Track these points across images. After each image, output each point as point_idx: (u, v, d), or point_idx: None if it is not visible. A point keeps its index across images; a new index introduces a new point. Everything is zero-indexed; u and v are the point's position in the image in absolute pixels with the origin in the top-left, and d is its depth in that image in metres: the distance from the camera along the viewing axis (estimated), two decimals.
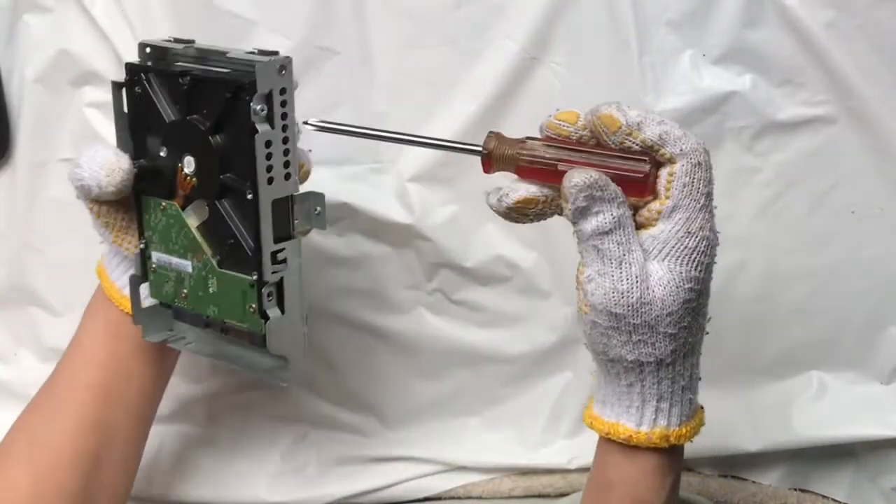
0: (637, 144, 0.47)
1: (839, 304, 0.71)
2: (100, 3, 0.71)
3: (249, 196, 0.53)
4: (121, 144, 0.57)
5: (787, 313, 0.72)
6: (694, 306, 0.48)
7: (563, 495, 0.74)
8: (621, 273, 0.47)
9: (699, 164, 0.47)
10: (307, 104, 0.71)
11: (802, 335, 0.72)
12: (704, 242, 0.47)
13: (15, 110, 0.74)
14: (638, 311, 0.47)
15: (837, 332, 0.72)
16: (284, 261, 0.55)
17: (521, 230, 0.71)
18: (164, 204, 0.56)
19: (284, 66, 0.53)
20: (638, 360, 0.48)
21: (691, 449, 0.72)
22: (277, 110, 0.53)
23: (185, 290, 0.57)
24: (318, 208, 0.57)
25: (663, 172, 0.47)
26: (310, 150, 0.58)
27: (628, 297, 0.47)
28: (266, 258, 0.54)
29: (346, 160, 0.72)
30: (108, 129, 0.74)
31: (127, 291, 0.58)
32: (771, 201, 0.70)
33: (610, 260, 0.47)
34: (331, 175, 0.72)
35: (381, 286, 0.74)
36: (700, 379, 0.51)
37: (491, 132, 0.51)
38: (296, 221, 0.55)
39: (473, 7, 0.68)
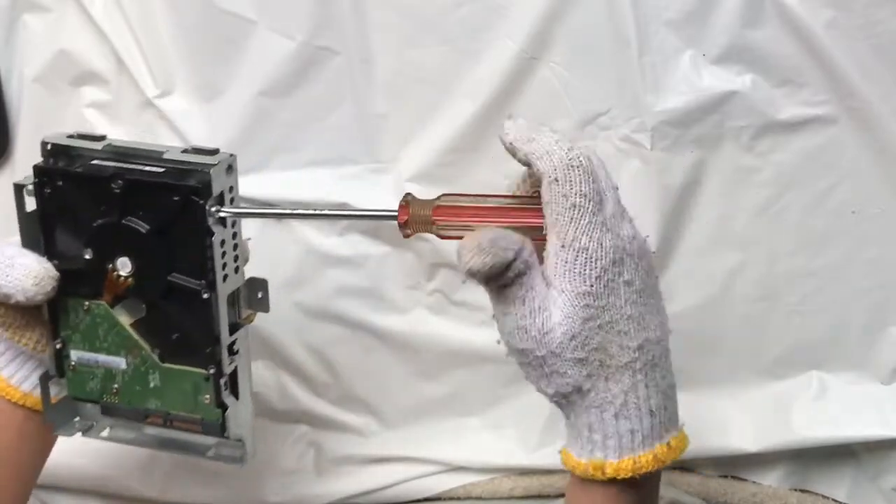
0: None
1: (839, 304, 0.71)
2: (99, 3, 0.71)
3: (205, 296, 0.53)
4: (28, 245, 0.55)
5: (787, 313, 0.72)
6: (598, 323, 0.47)
7: (563, 495, 0.74)
8: (524, 308, 0.47)
9: (556, 179, 0.46)
10: (307, 104, 0.71)
11: (802, 335, 0.72)
12: (583, 255, 0.47)
13: (14, 110, 0.74)
14: (541, 343, 0.47)
15: (837, 332, 0.72)
16: (237, 350, 0.56)
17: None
18: (87, 304, 0.56)
19: (231, 164, 0.54)
20: (559, 392, 0.48)
21: (691, 449, 0.72)
22: (234, 209, 0.53)
23: (115, 386, 0.57)
24: (261, 293, 0.58)
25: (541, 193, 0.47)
26: (248, 239, 0.58)
27: (531, 329, 0.47)
28: (224, 352, 0.55)
29: (345, 160, 0.72)
30: (107, 129, 0.74)
31: (14, 381, 0.58)
32: (771, 201, 0.70)
33: (514, 301, 0.47)
34: (330, 175, 0.73)
35: (380, 286, 0.74)
36: (653, 411, 0.48)
37: (405, 195, 0.52)
38: (241, 309, 0.57)
39: (473, 7, 0.68)
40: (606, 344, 0.47)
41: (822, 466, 0.73)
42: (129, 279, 0.55)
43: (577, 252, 0.47)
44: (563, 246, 0.47)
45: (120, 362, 0.57)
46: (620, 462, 0.48)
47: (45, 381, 0.57)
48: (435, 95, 0.70)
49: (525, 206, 0.49)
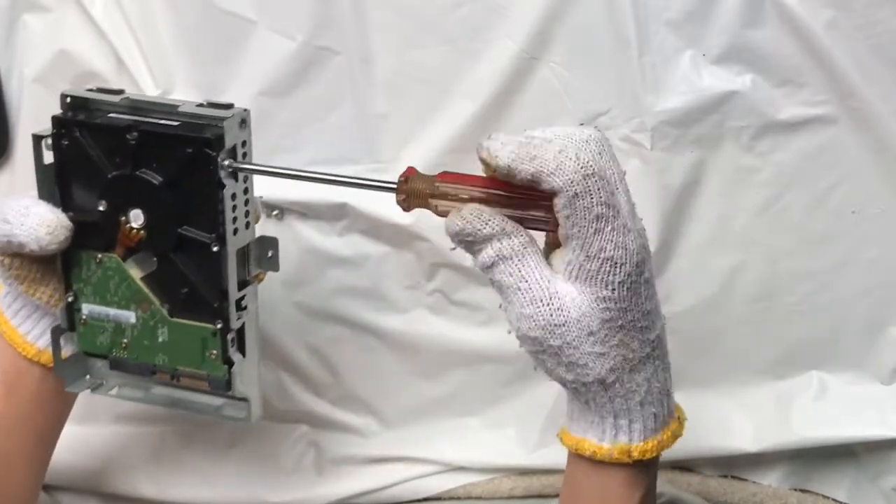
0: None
1: (839, 304, 0.71)
2: (99, 3, 0.71)
3: (215, 249, 0.54)
4: (45, 197, 0.56)
5: (787, 313, 0.72)
6: (620, 324, 0.47)
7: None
8: (522, 298, 0.47)
9: (576, 194, 0.45)
10: (307, 104, 0.71)
11: (802, 335, 0.72)
12: (608, 263, 0.46)
13: (14, 110, 0.74)
14: (554, 333, 0.47)
15: (837, 332, 0.72)
16: (246, 307, 0.56)
17: None
18: (99, 256, 0.56)
19: (245, 119, 0.54)
20: (579, 381, 0.48)
21: (691, 449, 0.72)
22: (248, 163, 0.54)
23: (125, 340, 0.57)
24: (272, 252, 0.58)
25: (554, 202, 0.46)
26: (260, 197, 0.59)
27: (538, 318, 0.47)
28: (232, 307, 0.55)
29: (345, 160, 0.72)
30: None
31: (30, 337, 0.58)
32: (771, 201, 0.70)
33: (507, 289, 0.48)
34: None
35: (380, 286, 0.74)
36: (669, 391, 0.50)
37: (407, 170, 0.51)
38: (250, 266, 0.57)
39: (473, 7, 0.68)
40: (628, 340, 0.48)
41: (822, 466, 0.73)
42: (142, 232, 0.55)
43: (602, 262, 0.46)
44: (587, 257, 0.46)
45: (129, 316, 0.57)
46: (646, 444, 0.49)
47: (56, 334, 0.58)
48: (435, 95, 0.70)
49: (526, 196, 0.48)
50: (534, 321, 0.47)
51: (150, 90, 0.72)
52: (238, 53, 0.70)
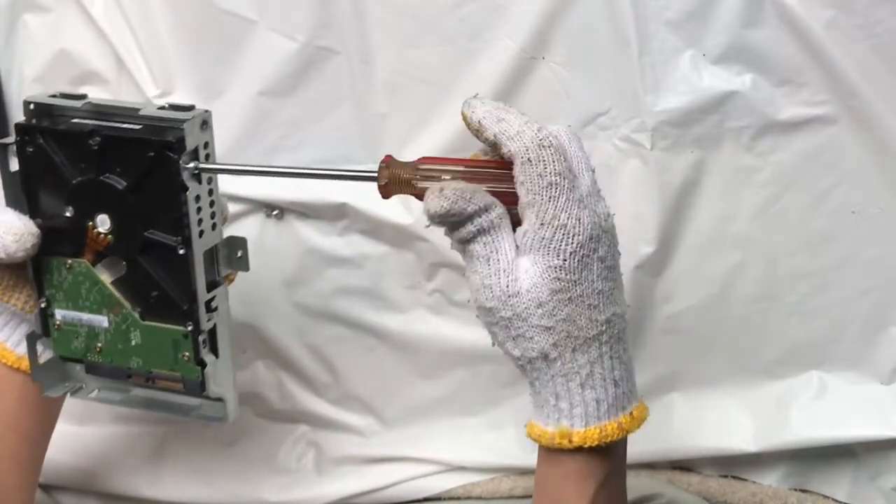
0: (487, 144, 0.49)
1: (839, 304, 0.71)
2: (99, 2, 0.71)
3: (181, 251, 0.54)
4: (11, 204, 0.56)
5: (787, 313, 0.72)
6: (569, 297, 0.48)
7: None
8: (489, 269, 0.49)
9: (529, 160, 0.47)
10: (307, 104, 0.71)
11: (802, 335, 0.72)
12: (561, 231, 0.48)
13: (14, 110, 0.74)
14: (506, 303, 0.48)
15: (837, 332, 0.72)
16: (216, 308, 0.56)
17: None
18: (69, 262, 0.56)
19: (206, 120, 0.54)
20: (525, 356, 0.49)
21: (691, 449, 0.72)
22: (211, 165, 0.54)
23: (99, 345, 0.57)
24: (240, 251, 0.58)
25: (514, 172, 0.48)
26: (227, 197, 0.59)
27: (495, 289, 0.48)
28: (201, 308, 0.55)
29: (345, 160, 0.72)
30: None
31: (9, 344, 0.58)
32: (771, 201, 0.70)
33: (478, 259, 0.49)
34: None
35: (380, 286, 0.74)
36: (617, 381, 0.50)
37: (385, 157, 0.52)
38: (220, 267, 0.57)
39: (473, 7, 0.68)
40: (575, 316, 0.48)
41: (822, 466, 0.73)
42: (109, 236, 0.55)
43: (556, 229, 0.48)
44: (542, 224, 0.48)
45: (102, 320, 0.57)
46: (587, 430, 0.49)
47: (31, 340, 0.58)
48: (435, 95, 0.70)
49: (503, 170, 0.49)
50: (491, 291, 0.49)
51: (150, 90, 0.72)
52: (238, 53, 0.70)
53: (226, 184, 0.72)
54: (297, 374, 0.76)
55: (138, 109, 0.54)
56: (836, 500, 0.73)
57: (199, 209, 0.54)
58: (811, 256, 0.71)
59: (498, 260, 0.49)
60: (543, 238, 0.48)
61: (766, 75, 0.66)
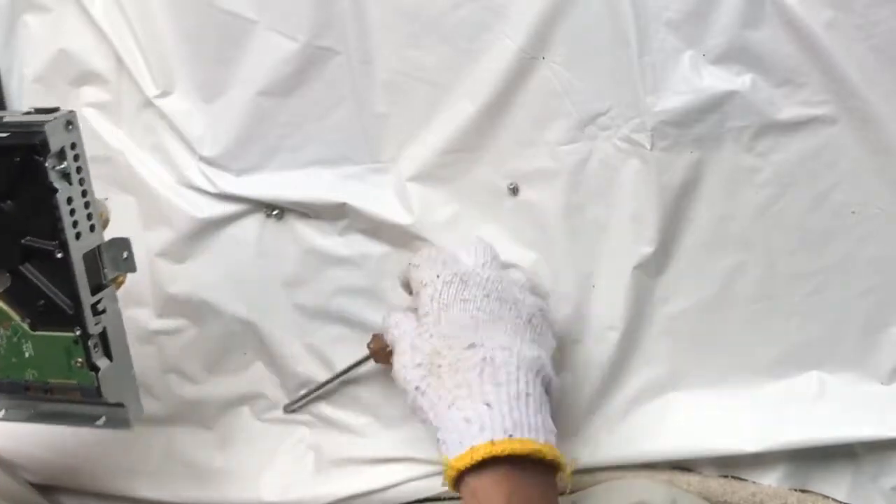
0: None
1: (839, 304, 0.71)
2: (99, 3, 0.71)
3: (59, 255, 0.53)
4: None
5: (787, 313, 0.72)
6: (431, 332, 0.58)
7: (563, 494, 0.74)
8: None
9: (424, 284, 0.62)
10: (307, 104, 0.71)
11: (802, 335, 0.72)
12: (424, 289, 0.61)
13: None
14: (397, 361, 0.61)
15: (837, 332, 0.72)
16: (104, 310, 0.56)
17: (521, 230, 0.72)
18: None
19: (70, 120, 0.53)
20: (410, 405, 0.59)
21: (691, 449, 0.72)
22: (72, 165, 0.53)
23: None
24: (126, 253, 0.57)
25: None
26: (106, 199, 0.58)
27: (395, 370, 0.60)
28: (87, 312, 0.55)
29: (345, 160, 0.72)
30: (106, 129, 0.74)
31: None
32: (771, 201, 0.70)
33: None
34: (330, 175, 0.73)
35: (380, 286, 0.74)
36: (490, 404, 0.53)
37: (373, 336, 0.70)
38: (105, 270, 0.56)
39: (473, 7, 0.68)
40: (439, 348, 0.56)
41: (822, 466, 0.73)
42: None
43: (421, 291, 0.59)
44: (416, 292, 0.62)
45: None
46: (461, 454, 0.51)
47: None
48: (435, 95, 0.70)
49: None
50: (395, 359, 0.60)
51: (150, 90, 0.72)
52: (238, 53, 0.70)
53: (226, 184, 0.72)
54: (297, 375, 0.76)
55: (1, 117, 0.53)
56: (836, 500, 0.73)
57: (72, 211, 0.53)
58: (811, 256, 0.71)
59: (406, 338, 0.61)
60: (416, 301, 0.60)
61: (766, 75, 0.66)
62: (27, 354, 0.56)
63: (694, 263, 0.71)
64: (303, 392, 0.75)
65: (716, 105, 0.67)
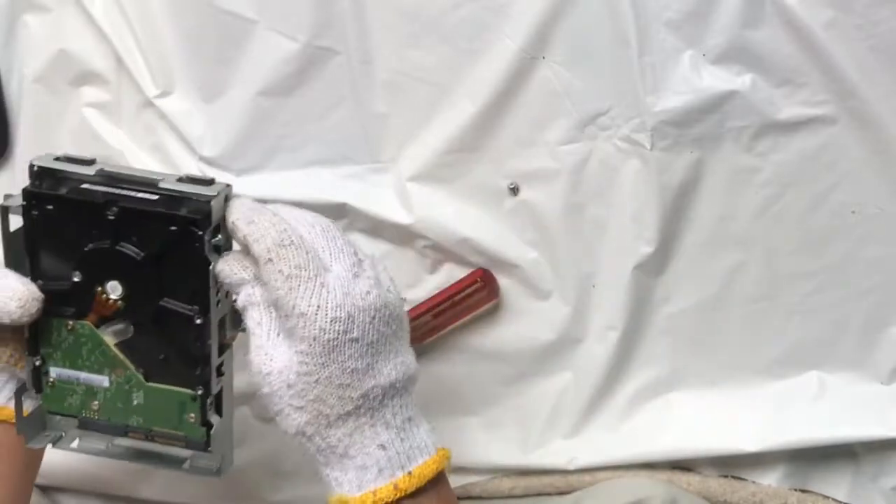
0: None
1: (839, 304, 0.71)
2: (99, 3, 0.71)
3: (199, 321, 0.54)
4: (11, 265, 0.55)
5: (787, 313, 0.72)
6: (316, 378, 0.50)
7: (562, 494, 0.74)
8: (251, 343, 0.52)
9: (270, 260, 0.51)
10: (307, 104, 0.71)
11: (802, 335, 0.72)
12: (302, 319, 0.50)
13: (14, 110, 0.74)
14: (265, 381, 0.51)
15: (837, 332, 0.72)
16: (224, 372, 0.57)
17: (521, 230, 0.72)
18: (71, 324, 0.55)
19: (228, 195, 0.54)
20: (287, 431, 0.52)
21: (691, 449, 0.72)
22: (223, 237, 0.54)
23: (96, 403, 0.57)
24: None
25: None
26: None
27: (253, 366, 0.51)
28: (213, 373, 0.55)
29: (345, 160, 0.72)
30: (106, 129, 0.74)
31: None
32: (771, 201, 0.70)
33: (249, 332, 0.52)
34: (331, 175, 0.73)
35: None
36: (386, 445, 0.52)
37: None
38: (226, 331, 0.57)
39: (473, 7, 0.68)
40: (325, 396, 0.50)
41: (822, 466, 0.73)
42: (119, 302, 0.55)
43: (297, 318, 0.50)
44: (286, 315, 0.50)
45: (103, 380, 0.57)
46: (362, 496, 0.51)
47: (19, 395, 0.57)
48: (435, 95, 0.70)
49: None
50: (253, 366, 0.51)
51: (150, 90, 0.72)
52: (238, 53, 0.70)
53: None
54: None
55: (157, 181, 0.54)
56: (836, 500, 0.73)
57: (217, 281, 0.54)
58: (811, 256, 0.71)
59: (260, 335, 0.52)
60: (288, 327, 0.50)
61: (766, 75, 0.66)
62: (135, 402, 0.57)
63: (694, 263, 0.71)
64: None
65: (716, 105, 0.67)
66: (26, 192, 0.54)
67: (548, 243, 0.71)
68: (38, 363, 0.57)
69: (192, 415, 0.56)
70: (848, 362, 0.73)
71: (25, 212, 0.54)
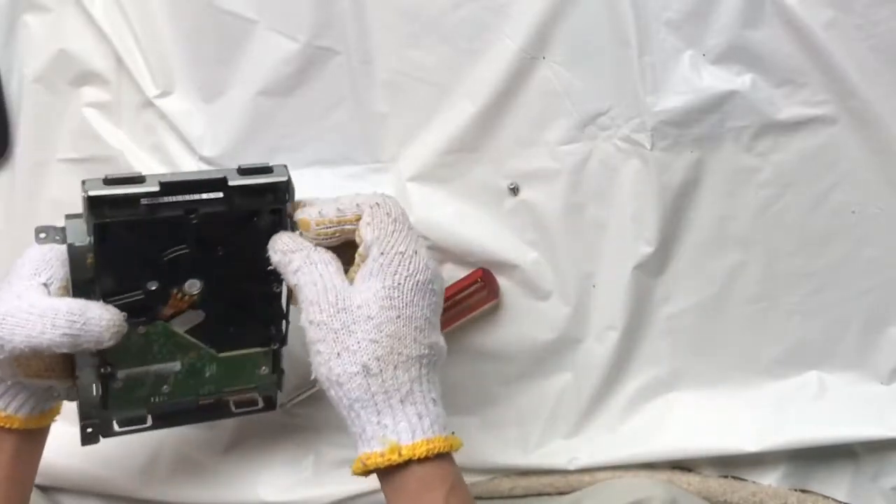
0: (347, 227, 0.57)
1: (839, 304, 0.71)
2: (99, 3, 0.71)
3: (277, 290, 0.58)
4: (79, 290, 0.55)
5: (787, 313, 0.72)
6: (398, 314, 0.53)
7: (562, 494, 0.74)
8: (316, 289, 0.54)
9: (378, 204, 0.56)
10: (307, 104, 0.71)
11: (802, 335, 0.72)
12: (399, 257, 0.54)
13: (14, 110, 0.74)
14: (335, 317, 0.53)
15: (837, 332, 0.72)
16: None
17: (521, 230, 0.72)
18: (143, 329, 0.56)
19: (288, 172, 0.57)
20: (346, 371, 0.52)
21: (691, 449, 0.72)
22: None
23: (166, 387, 0.59)
24: None
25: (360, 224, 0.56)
26: None
27: (323, 304, 0.53)
28: (287, 327, 0.60)
29: (345, 160, 0.72)
30: (106, 129, 0.74)
31: (11, 409, 0.57)
32: (771, 201, 0.70)
33: (305, 285, 0.54)
34: (331, 175, 0.73)
35: None
36: (437, 401, 0.54)
37: None
38: None
39: (473, 7, 0.68)
40: (403, 334, 0.52)
41: (822, 466, 0.73)
42: (195, 296, 0.57)
43: (394, 255, 0.54)
44: (382, 253, 0.53)
45: (174, 366, 0.58)
46: (415, 443, 0.51)
47: (83, 409, 0.59)
48: (435, 95, 0.70)
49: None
50: (319, 307, 0.53)
51: (150, 90, 0.72)
52: (238, 53, 0.70)
53: None
54: (297, 375, 0.76)
55: (224, 179, 0.55)
56: (836, 500, 0.73)
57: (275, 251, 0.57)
58: (811, 256, 0.71)
59: (324, 283, 0.53)
60: (382, 264, 0.53)
61: (766, 75, 0.66)
62: (207, 374, 0.59)
63: (694, 263, 0.71)
64: (298, 391, 0.75)
65: (716, 105, 0.67)
66: (97, 226, 0.53)
67: (548, 243, 0.71)
68: (105, 370, 0.57)
69: (265, 367, 0.60)
70: (848, 362, 0.73)
71: (96, 243, 0.54)
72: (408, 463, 0.51)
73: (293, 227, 0.58)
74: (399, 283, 0.53)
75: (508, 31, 0.67)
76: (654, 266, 0.71)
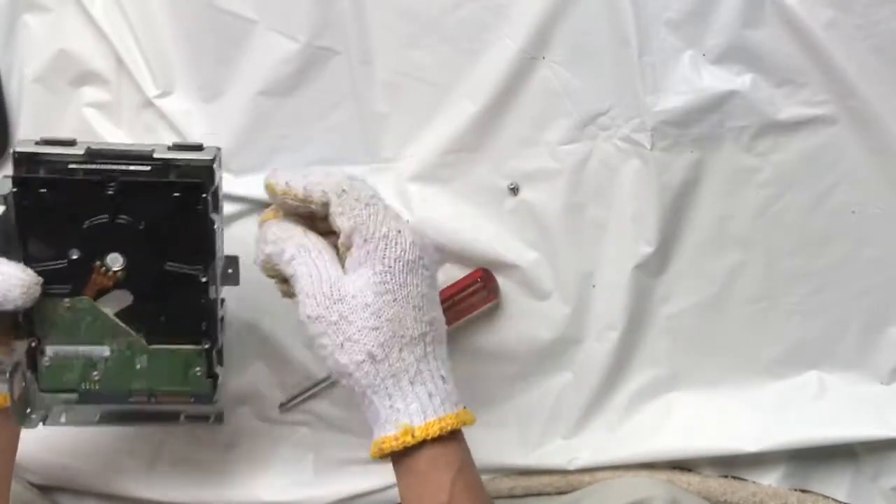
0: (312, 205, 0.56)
1: (839, 304, 0.71)
2: (99, 3, 0.71)
3: (204, 279, 0.56)
4: (2, 251, 0.55)
5: (787, 313, 0.72)
6: (394, 298, 0.53)
7: (562, 493, 0.74)
8: (310, 280, 0.53)
9: (344, 191, 0.54)
10: (307, 104, 0.71)
11: (802, 335, 0.72)
12: (384, 241, 0.53)
13: (14, 110, 0.74)
14: (331, 309, 0.53)
15: (837, 332, 0.72)
16: (223, 325, 0.60)
17: (521, 230, 0.72)
18: (68, 302, 0.56)
19: (218, 157, 0.57)
20: (353, 361, 0.52)
21: (691, 449, 0.72)
22: (220, 197, 0.57)
23: (96, 373, 0.58)
24: (232, 269, 0.61)
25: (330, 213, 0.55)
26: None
27: (318, 297, 0.53)
28: (219, 326, 0.58)
29: (345, 160, 0.72)
30: (106, 129, 0.73)
31: None
32: (771, 201, 0.70)
33: (300, 277, 0.54)
34: None
35: None
36: (445, 377, 0.54)
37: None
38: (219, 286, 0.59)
39: (473, 7, 0.68)
40: (402, 316, 0.53)
41: (822, 466, 0.73)
42: (119, 273, 0.55)
43: (379, 240, 0.53)
44: (365, 240, 0.53)
45: (103, 350, 0.58)
46: (427, 423, 0.52)
47: (12, 378, 0.57)
48: (435, 95, 0.70)
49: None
50: (315, 300, 0.52)
51: (150, 90, 0.72)
52: (238, 53, 0.70)
53: (226, 184, 0.72)
54: (297, 375, 0.76)
55: (149, 152, 0.55)
56: (836, 500, 0.73)
57: (217, 237, 0.56)
58: (811, 256, 0.71)
59: (319, 273, 0.53)
60: (368, 251, 0.53)
61: (766, 75, 0.66)
62: (138, 367, 0.58)
63: (694, 263, 0.71)
64: (298, 391, 0.75)
65: (716, 105, 0.67)
66: (16, 180, 0.54)
67: (548, 243, 0.71)
68: (33, 344, 0.57)
69: (198, 369, 0.58)
70: (848, 362, 0.73)
71: (17, 199, 0.54)
72: (421, 444, 0.52)
73: (217, 208, 0.57)
74: (390, 267, 0.53)
75: (508, 31, 0.67)
76: (654, 266, 0.71)
